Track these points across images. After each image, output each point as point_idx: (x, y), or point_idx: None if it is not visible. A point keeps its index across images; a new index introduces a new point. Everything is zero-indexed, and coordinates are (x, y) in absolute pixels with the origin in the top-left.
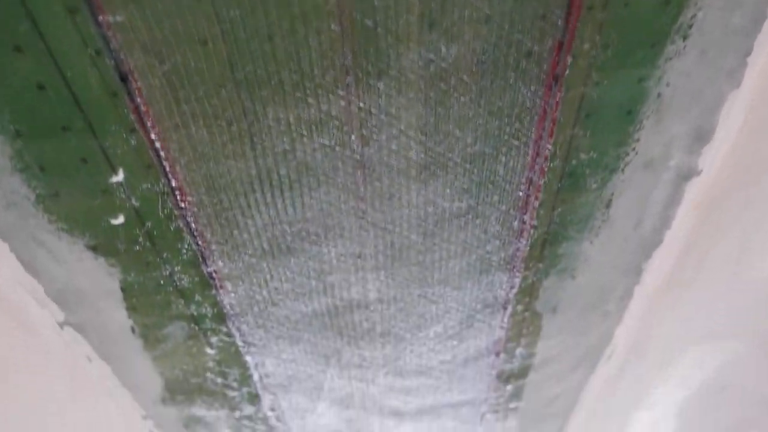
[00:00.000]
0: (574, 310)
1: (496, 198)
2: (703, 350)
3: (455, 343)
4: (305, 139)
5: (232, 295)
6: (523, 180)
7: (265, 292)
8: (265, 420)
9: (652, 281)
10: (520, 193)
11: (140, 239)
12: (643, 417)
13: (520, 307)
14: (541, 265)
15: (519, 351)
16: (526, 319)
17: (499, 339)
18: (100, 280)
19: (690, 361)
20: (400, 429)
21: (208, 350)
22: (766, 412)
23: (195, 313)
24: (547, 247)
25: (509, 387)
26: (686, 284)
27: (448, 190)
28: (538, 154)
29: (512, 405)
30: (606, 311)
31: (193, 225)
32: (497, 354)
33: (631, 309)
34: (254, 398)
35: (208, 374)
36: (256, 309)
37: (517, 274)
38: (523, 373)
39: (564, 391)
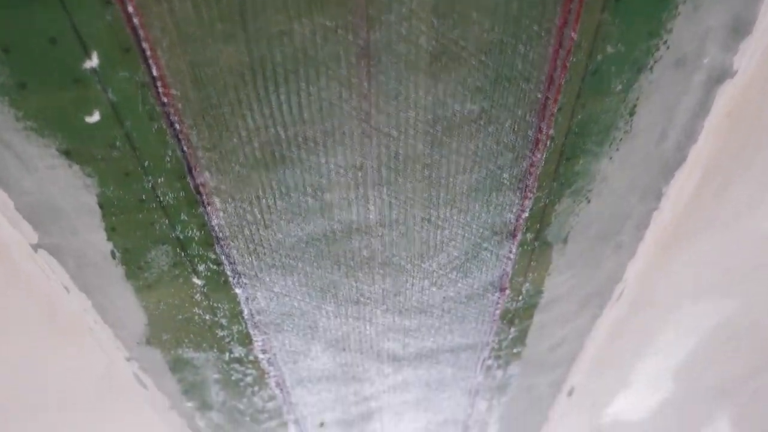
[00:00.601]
0: (586, 240)
1: (511, 100)
2: (713, 297)
3: (459, 276)
4: (304, 19)
5: (221, 214)
6: (543, 77)
7: (256, 211)
8: (256, 363)
9: (671, 209)
10: (539, 95)
11: (118, 143)
12: (647, 366)
13: (529, 236)
14: (555, 185)
15: (525, 288)
16: (535, 251)
17: (506, 273)
18: (75, 193)
19: (700, 307)
20: (398, 376)
21: (195, 280)
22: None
23: (180, 236)
24: (563, 163)
25: (513, 330)
26: (704, 219)
27: (459, 88)
28: (560, 45)
29: (515, 350)
30: (619, 243)
31: (177, 125)
32: (502, 290)
33: (646, 240)
34: (245, 338)
35: (196, 309)
36: (246, 232)
37: (529, 194)
38: (528, 313)
39: (569, 335)
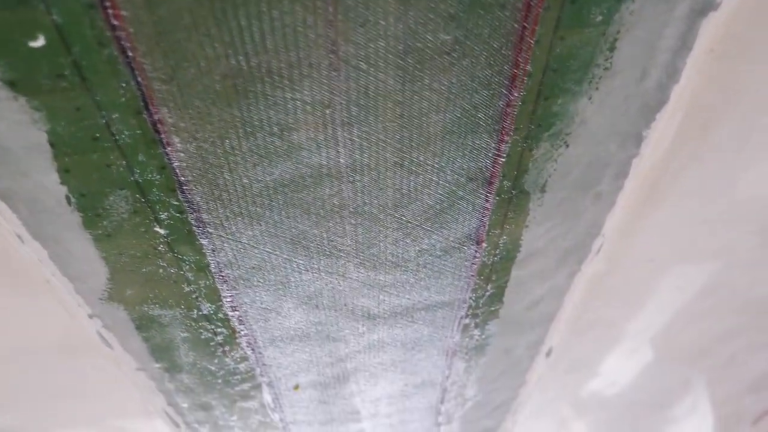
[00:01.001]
0: (564, 190)
1: (486, 30)
2: (693, 255)
3: (434, 227)
4: None
5: (182, 155)
6: (520, 5)
7: (220, 153)
8: (226, 322)
9: (651, 155)
10: (515, 24)
11: (66, 72)
12: (625, 327)
13: (506, 183)
14: (532, 127)
15: (503, 241)
16: (512, 200)
17: (482, 224)
18: (23, 130)
19: (679, 266)
20: (373, 335)
21: (158, 229)
22: (752, 319)
23: (140, 180)
24: (540, 103)
25: (490, 286)
26: (684, 169)
27: (431, 15)
28: None
29: (492, 308)
30: (598, 193)
31: (129, 53)
32: (479, 243)
33: (626, 191)
34: (213, 294)
35: (160, 262)
36: (210, 176)
37: (506, 138)
38: (505, 269)
39: (547, 293)
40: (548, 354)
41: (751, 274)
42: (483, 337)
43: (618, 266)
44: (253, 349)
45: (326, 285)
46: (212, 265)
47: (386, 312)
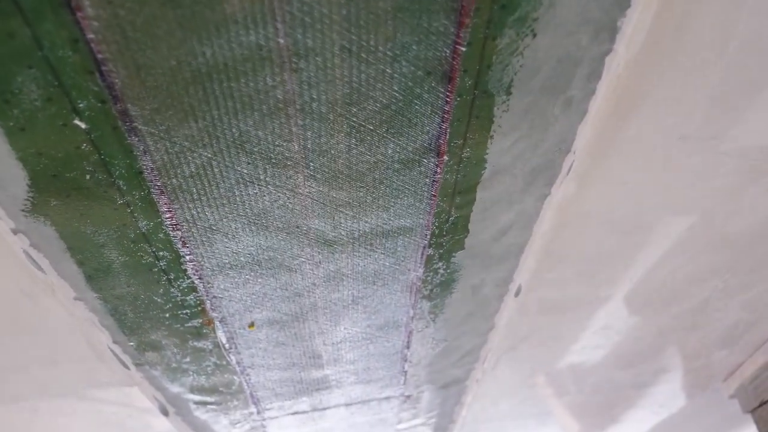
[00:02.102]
0: (531, 93)
1: None
2: (668, 173)
3: (391, 132)
4: None
5: (96, 24)
6: None
7: (139, 23)
8: (167, 243)
9: (626, 52)
10: None
11: None
12: (596, 262)
13: (468, 81)
14: (495, 8)
15: (466, 154)
16: (475, 102)
17: (443, 132)
18: None
19: (654, 188)
20: (330, 265)
21: (78, 123)
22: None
23: (50, 56)
24: None
25: (454, 211)
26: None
27: None
28: None
29: (457, 237)
30: (569, 99)
31: None
32: (440, 155)
33: (598, 97)
34: (150, 208)
35: (85, 165)
36: (131, 53)
37: (466, 20)
38: (469, 189)
39: (516, 221)
40: (517, 293)
41: (729, 204)
42: (448, 271)
43: (589, 189)
44: (200, 278)
45: (275, 201)
46: (146, 171)
47: (343, 237)
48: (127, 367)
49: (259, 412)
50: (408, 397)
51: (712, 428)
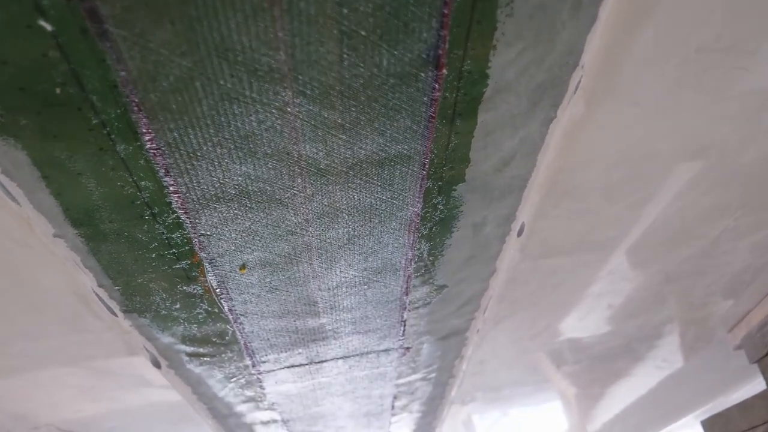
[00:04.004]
0: None
1: None
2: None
3: (385, 39)
4: None
5: None
6: None
7: None
8: (148, 171)
9: None
10: None
11: None
12: (602, 198)
13: None
14: None
15: (466, 67)
16: (476, 4)
17: (441, 40)
18: None
19: (670, 115)
20: (324, 199)
21: (43, 23)
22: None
23: None
24: None
25: (454, 136)
26: None
27: None
28: None
29: (458, 167)
30: (577, 1)
31: None
32: (438, 67)
33: (608, 1)
34: (125, 125)
35: (54, 75)
36: None
37: None
38: (470, 110)
39: (520, 148)
40: (520, 232)
41: (745, 128)
42: (448, 207)
43: (598, 110)
44: (186, 212)
45: (262, 122)
46: (120, 84)
47: (337, 166)
48: (114, 314)
49: (254, 365)
50: (407, 349)
51: (717, 382)
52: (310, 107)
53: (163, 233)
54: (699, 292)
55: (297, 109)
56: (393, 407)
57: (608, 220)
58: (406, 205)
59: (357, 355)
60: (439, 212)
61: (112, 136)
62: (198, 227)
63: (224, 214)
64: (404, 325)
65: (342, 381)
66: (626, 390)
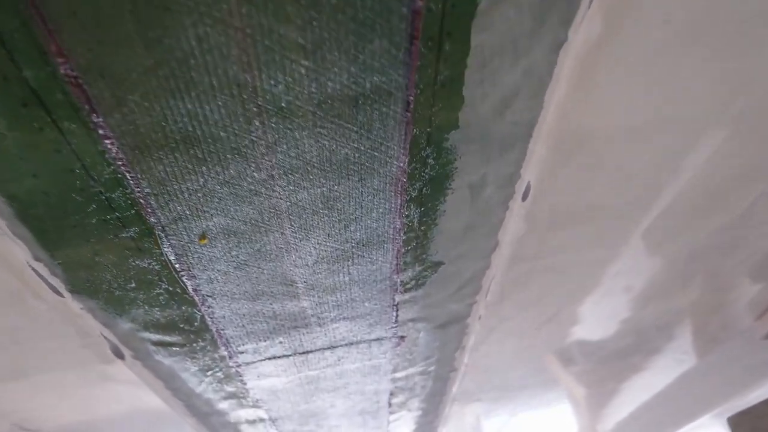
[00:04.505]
0: None
1: None
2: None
3: None
4: None
5: None
6: None
7: None
8: (70, 108)
9: None
10: None
11: None
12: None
13: None
14: None
15: None
16: None
17: None
18: None
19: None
20: (290, 148)
21: None
22: None
23: None
24: None
25: (442, 66)
26: None
27: None
28: None
29: (449, 106)
30: None
31: None
32: None
33: None
34: (28, 38)
35: None
36: None
37: None
38: (461, 28)
39: (524, 82)
40: (525, 195)
41: None
42: (440, 162)
43: (619, 30)
44: (125, 164)
45: (202, 40)
46: None
47: (301, 104)
48: (60, 294)
49: (231, 356)
50: (402, 338)
51: (742, 375)
52: (261, 20)
53: (100, 192)
54: (726, 272)
55: (244, 23)
56: (390, 405)
57: (629, 179)
58: (390, 158)
59: (345, 344)
60: (429, 168)
61: (15, 57)
62: (142, 184)
63: (172, 168)
64: (396, 310)
65: (331, 375)
66: (642, 386)
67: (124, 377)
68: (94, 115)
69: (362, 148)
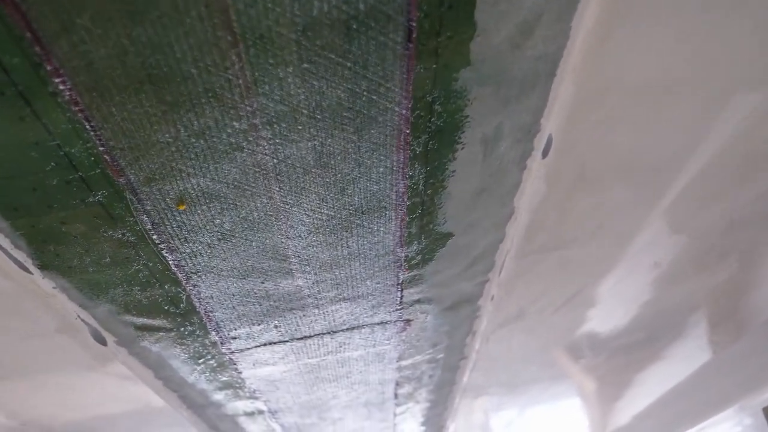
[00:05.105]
0: None
1: None
2: None
3: None
4: None
5: None
6: None
7: None
8: (10, 38)
9: None
10: None
11: None
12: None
13: None
14: None
15: None
16: None
17: None
18: None
19: None
20: (273, 85)
21: None
22: None
23: None
24: None
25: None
26: None
27: None
28: None
29: (460, 35)
30: None
31: None
32: None
33: None
34: None
35: None
36: None
37: None
38: None
39: (547, 2)
40: (546, 152)
41: None
42: (448, 108)
43: None
44: (82, 109)
45: None
46: None
47: (280, 26)
48: (28, 271)
49: (223, 342)
50: (407, 322)
51: None
52: None
53: (58, 147)
54: (764, 247)
55: None
56: (396, 396)
57: (660, 139)
58: (390, 102)
59: (346, 329)
60: (436, 117)
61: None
62: (105, 136)
63: (138, 115)
64: (401, 290)
65: (333, 363)
66: (661, 377)
67: (109, 366)
68: (38, 46)
69: (357, 90)
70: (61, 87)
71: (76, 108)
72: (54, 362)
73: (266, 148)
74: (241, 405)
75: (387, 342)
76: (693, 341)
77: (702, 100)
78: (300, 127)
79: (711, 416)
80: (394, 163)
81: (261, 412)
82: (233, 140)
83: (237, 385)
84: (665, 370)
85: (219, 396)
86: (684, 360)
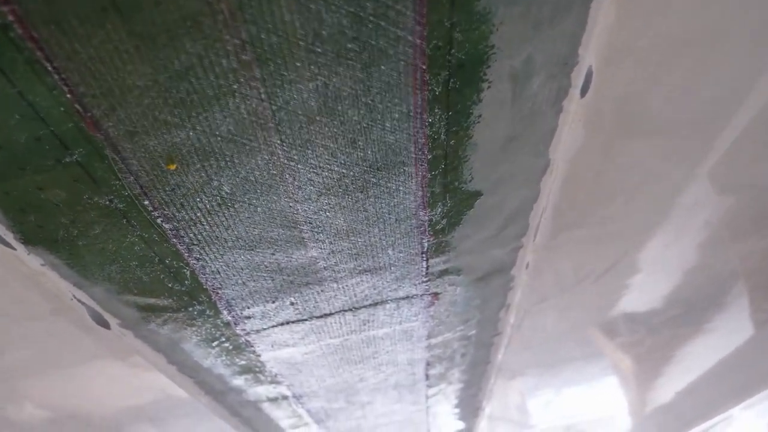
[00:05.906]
0: None
1: None
2: None
3: None
4: None
5: None
6: None
7: None
8: None
9: None
10: None
11: None
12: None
13: None
14: None
15: None
16: None
17: None
18: None
19: None
20: (264, 12)
21: None
22: None
23: None
24: None
25: None
26: None
27: None
28: None
29: None
30: None
31: None
32: None
33: None
34: None
35: None
36: None
37: None
38: None
39: None
40: (585, 88)
41: None
42: (470, 36)
43: None
44: (42, 48)
45: None
46: None
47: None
48: (11, 246)
49: (236, 323)
50: (435, 295)
51: None
52: None
53: (18, 92)
54: None
55: None
56: (427, 377)
57: (724, 68)
58: (400, 28)
59: (369, 305)
60: (456, 47)
61: None
62: (69, 78)
63: (104, 48)
64: (426, 259)
65: (357, 343)
66: (706, 351)
67: (116, 352)
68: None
69: (362, 13)
70: (11, 18)
71: (33, 44)
72: (53, 348)
73: (261, 91)
74: (263, 390)
75: (414, 318)
76: (740, 312)
77: (751, 48)
78: (298, 64)
79: (760, 391)
80: (411, 107)
81: (285, 397)
82: (222, 82)
83: (257, 369)
84: (708, 345)
85: (239, 381)
86: (728, 334)
